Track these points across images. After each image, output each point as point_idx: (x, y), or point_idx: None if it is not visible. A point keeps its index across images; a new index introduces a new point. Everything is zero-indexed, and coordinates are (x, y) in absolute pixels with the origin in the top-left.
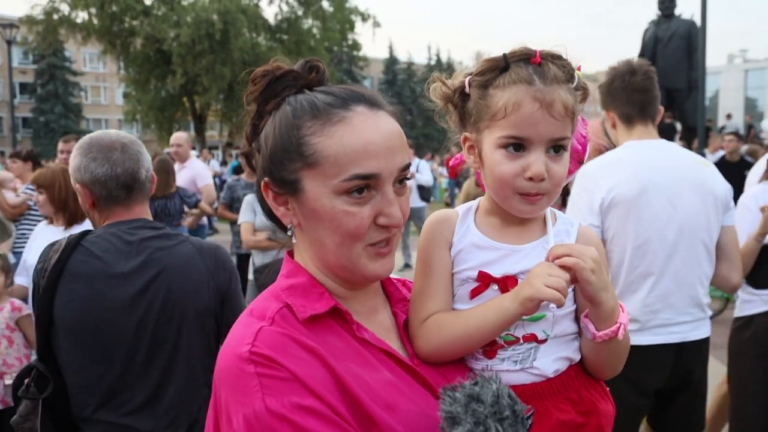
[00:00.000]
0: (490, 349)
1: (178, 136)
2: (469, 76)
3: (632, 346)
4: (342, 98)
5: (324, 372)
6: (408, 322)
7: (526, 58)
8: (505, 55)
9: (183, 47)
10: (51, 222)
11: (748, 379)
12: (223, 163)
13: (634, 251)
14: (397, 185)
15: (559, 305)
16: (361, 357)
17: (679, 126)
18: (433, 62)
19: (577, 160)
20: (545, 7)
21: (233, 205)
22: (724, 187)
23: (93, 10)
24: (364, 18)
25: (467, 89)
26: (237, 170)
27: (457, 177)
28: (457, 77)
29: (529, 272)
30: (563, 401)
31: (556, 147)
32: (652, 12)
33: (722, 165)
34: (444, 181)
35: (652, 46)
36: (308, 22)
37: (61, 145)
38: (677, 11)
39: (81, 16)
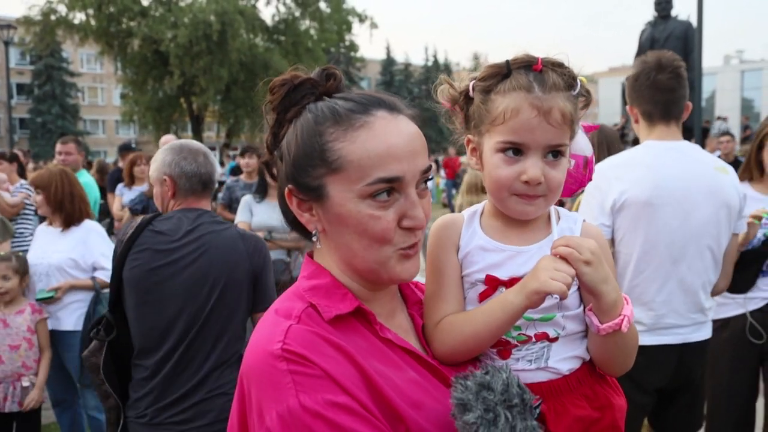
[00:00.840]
0: (504, 349)
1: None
2: (474, 80)
3: None
4: (362, 104)
5: (353, 370)
6: (423, 325)
7: (527, 65)
8: (507, 61)
9: (180, 48)
10: (50, 223)
11: (725, 379)
12: (221, 164)
13: (642, 255)
14: (421, 187)
15: (563, 297)
16: (385, 356)
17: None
18: (430, 63)
19: (578, 187)
20: (543, 8)
21: (232, 205)
22: (739, 196)
23: (90, 11)
24: (362, 19)
25: (471, 93)
26: (235, 171)
27: (454, 177)
28: (463, 80)
29: (535, 265)
30: (579, 397)
31: (554, 152)
32: (650, 13)
33: None
34: (441, 182)
35: (648, 48)
36: (305, 23)
37: (59, 147)
38: (674, 12)
39: (78, 17)
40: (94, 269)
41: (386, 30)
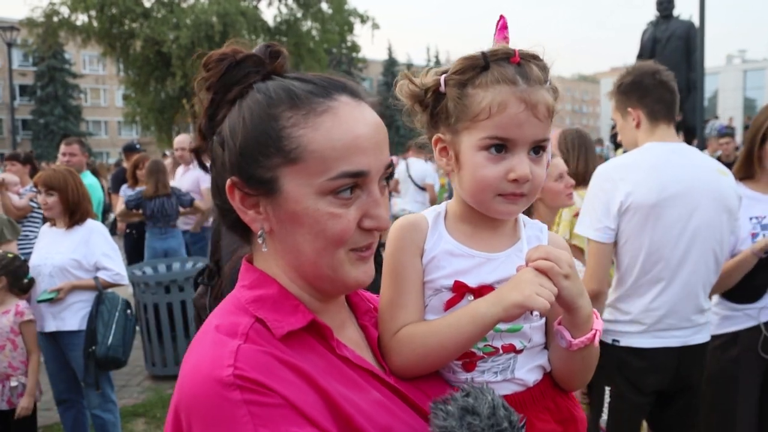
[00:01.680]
0: (469, 361)
1: (182, 140)
2: (444, 75)
3: (635, 349)
4: (323, 86)
5: (315, 395)
6: (379, 336)
7: (505, 57)
8: (484, 53)
9: (182, 49)
10: (54, 224)
11: (742, 406)
12: None
13: (647, 257)
14: (383, 182)
15: (543, 314)
16: (345, 376)
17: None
18: (432, 63)
19: None
20: (547, 9)
21: None
22: (737, 200)
23: (93, 13)
24: (363, 20)
25: (442, 88)
26: None
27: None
28: (428, 75)
29: (515, 278)
30: (542, 410)
31: (536, 148)
32: (652, 13)
33: None
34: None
35: (650, 48)
36: (307, 24)
37: (63, 148)
38: (675, 12)
39: (81, 18)
40: (97, 269)
41: (388, 30)
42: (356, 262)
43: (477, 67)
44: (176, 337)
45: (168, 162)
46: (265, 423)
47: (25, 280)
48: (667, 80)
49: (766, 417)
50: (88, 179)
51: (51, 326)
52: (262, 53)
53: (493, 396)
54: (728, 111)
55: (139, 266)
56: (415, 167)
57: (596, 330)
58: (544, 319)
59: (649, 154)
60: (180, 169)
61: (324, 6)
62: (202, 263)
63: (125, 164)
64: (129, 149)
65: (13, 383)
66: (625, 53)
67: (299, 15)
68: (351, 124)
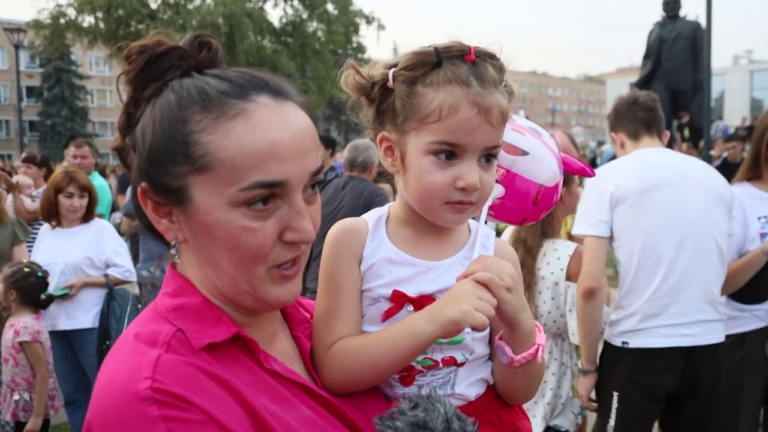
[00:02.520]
0: (407, 375)
1: None
2: (393, 69)
3: (642, 350)
4: (240, 85)
5: (240, 410)
6: (312, 348)
7: (460, 55)
8: (437, 49)
9: None
10: (56, 225)
11: (748, 408)
12: None
13: (643, 247)
14: (309, 191)
15: (481, 331)
16: (273, 391)
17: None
18: None
19: (521, 218)
20: (552, 9)
21: None
22: (730, 192)
23: (99, 14)
24: (369, 21)
25: (390, 83)
26: None
27: None
28: (376, 68)
29: (452, 291)
30: (485, 425)
31: (487, 156)
32: (658, 13)
33: (725, 167)
34: None
35: (657, 48)
36: (313, 25)
37: (74, 150)
38: (682, 12)
39: (87, 20)
40: (107, 266)
41: (393, 31)
42: (279, 281)
43: (428, 63)
44: None
45: None
46: None
47: (43, 296)
48: (643, 101)
49: None
50: (98, 180)
51: (64, 325)
52: (189, 45)
53: (446, 407)
54: (735, 112)
55: (146, 267)
56: None
57: (539, 345)
58: (487, 330)
59: (638, 153)
60: None
61: (330, 7)
62: None
63: None
64: None
65: (16, 397)
66: (632, 54)
67: (305, 16)
68: (267, 129)
